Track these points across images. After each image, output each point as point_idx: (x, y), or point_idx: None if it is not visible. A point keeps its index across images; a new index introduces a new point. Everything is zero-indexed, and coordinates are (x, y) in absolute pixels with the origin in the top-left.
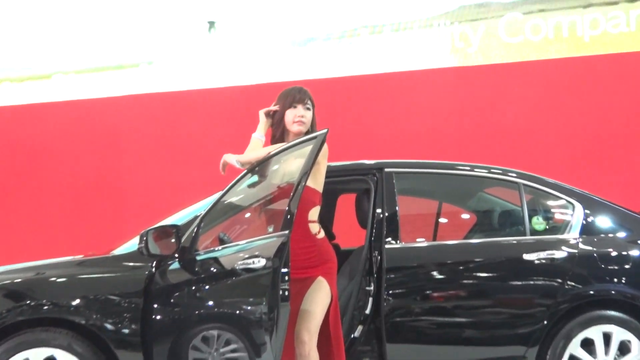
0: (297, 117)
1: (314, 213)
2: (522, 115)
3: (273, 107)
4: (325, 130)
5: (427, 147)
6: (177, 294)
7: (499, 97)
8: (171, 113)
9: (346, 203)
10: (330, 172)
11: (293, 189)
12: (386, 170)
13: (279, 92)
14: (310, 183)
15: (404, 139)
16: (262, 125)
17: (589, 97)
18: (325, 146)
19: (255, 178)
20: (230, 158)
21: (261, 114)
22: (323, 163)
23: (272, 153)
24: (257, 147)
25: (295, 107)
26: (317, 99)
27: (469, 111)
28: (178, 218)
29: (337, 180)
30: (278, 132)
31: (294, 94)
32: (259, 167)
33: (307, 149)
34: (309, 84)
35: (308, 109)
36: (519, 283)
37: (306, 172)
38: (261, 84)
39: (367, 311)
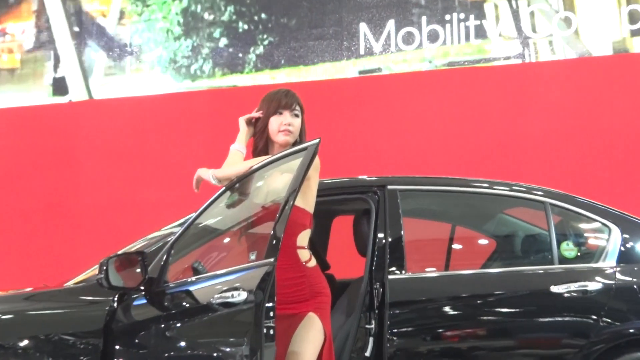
0: (283, 125)
1: (304, 238)
2: (547, 120)
3: (255, 114)
4: (316, 141)
5: (435, 158)
6: (142, 333)
7: (517, 97)
8: (136, 118)
9: (342, 226)
10: (323, 190)
11: (279, 209)
12: (389, 187)
13: (261, 96)
14: (299, 202)
15: (407, 149)
16: (243, 135)
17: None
18: (317, 159)
19: (234, 197)
20: (206, 173)
21: (241, 121)
22: (314, 179)
23: (254, 167)
24: (236, 160)
25: (280, 113)
26: (306, 104)
27: (480, 115)
28: (144, 244)
29: (332, 199)
30: (261, 143)
31: (279, 98)
32: (239, 184)
33: (296, 162)
34: (297, 87)
35: (296, 115)
36: (546, 320)
37: (295, 190)
38: (241, 87)
39: (367, 353)
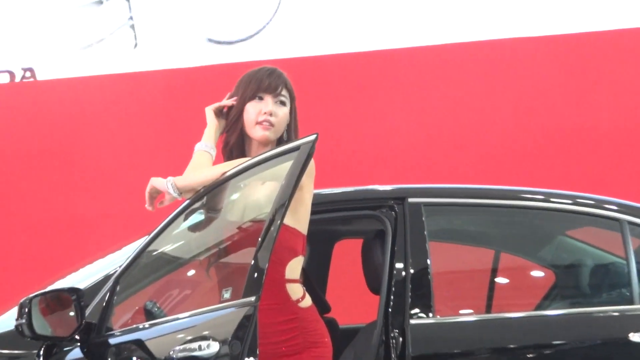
0: (261, 114)
1: (295, 268)
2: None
3: (226, 101)
4: (312, 137)
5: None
6: None
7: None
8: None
9: (347, 253)
10: (321, 204)
11: (262, 230)
12: (410, 200)
13: (240, 75)
14: (288, 221)
15: (423, 141)
16: (211, 130)
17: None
18: (312, 163)
19: (201, 214)
20: (161, 183)
21: (209, 112)
22: (308, 189)
23: (227, 174)
24: (203, 164)
25: (261, 98)
26: (298, 87)
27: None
28: (81, 277)
29: (333, 217)
30: (233, 138)
31: (259, 79)
32: (207, 197)
33: (284, 167)
34: (288, 64)
35: (282, 103)
36: None
37: (283, 204)
38: (215, 65)
39: None
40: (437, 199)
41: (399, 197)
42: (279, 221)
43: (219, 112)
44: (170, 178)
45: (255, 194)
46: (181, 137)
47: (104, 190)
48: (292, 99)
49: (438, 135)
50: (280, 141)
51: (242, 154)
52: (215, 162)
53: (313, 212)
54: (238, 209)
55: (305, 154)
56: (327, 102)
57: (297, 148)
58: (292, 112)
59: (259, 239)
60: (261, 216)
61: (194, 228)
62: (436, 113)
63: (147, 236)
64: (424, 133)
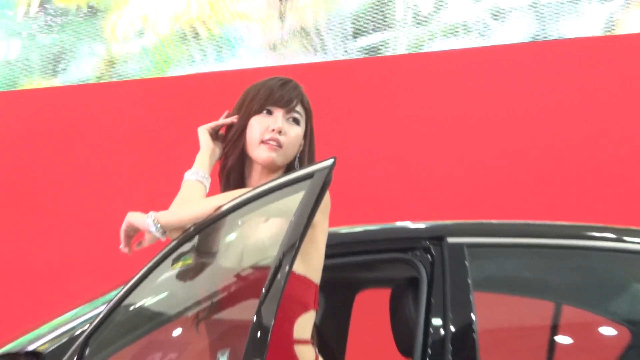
0: (268, 131)
1: (306, 325)
2: None
3: (224, 120)
4: (329, 162)
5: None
6: None
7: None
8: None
9: (371, 307)
10: (339, 246)
11: (266, 279)
12: (450, 240)
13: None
14: (298, 267)
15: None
16: (205, 155)
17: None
18: (327, 196)
19: (189, 258)
20: (140, 219)
21: (202, 134)
22: (322, 227)
23: (223, 209)
24: (193, 197)
25: (269, 112)
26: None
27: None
28: (42, 337)
29: (353, 261)
30: (231, 160)
31: (270, 88)
32: (199, 237)
33: (293, 200)
34: (302, 72)
35: (295, 121)
36: None
37: (293, 246)
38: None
39: None
40: (484, 238)
41: (436, 237)
42: (287, 267)
43: (215, 134)
44: (152, 213)
45: (257, 234)
46: (166, 159)
47: (68, 230)
48: (308, 118)
49: (481, 157)
50: (290, 169)
51: (242, 181)
52: (209, 194)
53: (328, 256)
54: (236, 252)
55: (320, 184)
56: (340, 114)
57: (309, 176)
58: (308, 133)
59: (263, 290)
60: (265, 261)
61: (182, 276)
62: (479, 127)
63: (123, 286)
64: (464, 154)
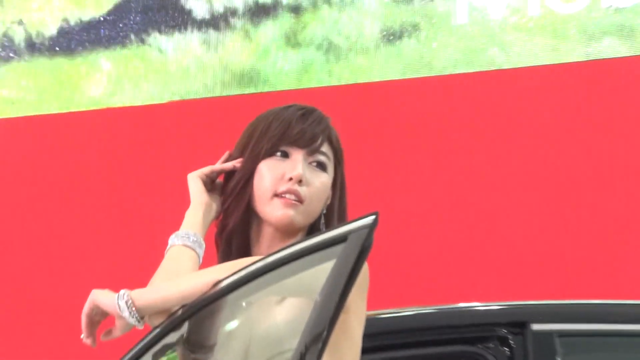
0: (284, 180)
1: None
2: None
3: (223, 165)
4: (370, 220)
5: None
6: None
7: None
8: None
9: None
10: (382, 336)
11: None
12: (535, 328)
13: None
14: None
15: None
16: (197, 212)
17: None
18: (366, 269)
19: (175, 353)
20: (109, 299)
21: (194, 183)
22: (358, 310)
23: (221, 285)
24: (181, 268)
25: (285, 154)
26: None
27: None
28: None
29: (401, 356)
30: (232, 220)
31: (287, 121)
32: (189, 325)
33: (318, 272)
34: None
35: (321, 166)
36: None
37: (319, 336)
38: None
39: None
40: (582, 325)
41: (517, 323)
42: None
43: (210, 183)
44: (124, 291)
45: (268, 320)
46: (143, 216)
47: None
48: (337, 161)
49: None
50: (313, 231)
51: (247, 248)
52: (203, 265)
53: (365, 351)
54: (239, 345)
55: (356, 250)
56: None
57: (342, 239)
58: (338, 182)
59: None
60: (278, 358)
61: None
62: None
63: None
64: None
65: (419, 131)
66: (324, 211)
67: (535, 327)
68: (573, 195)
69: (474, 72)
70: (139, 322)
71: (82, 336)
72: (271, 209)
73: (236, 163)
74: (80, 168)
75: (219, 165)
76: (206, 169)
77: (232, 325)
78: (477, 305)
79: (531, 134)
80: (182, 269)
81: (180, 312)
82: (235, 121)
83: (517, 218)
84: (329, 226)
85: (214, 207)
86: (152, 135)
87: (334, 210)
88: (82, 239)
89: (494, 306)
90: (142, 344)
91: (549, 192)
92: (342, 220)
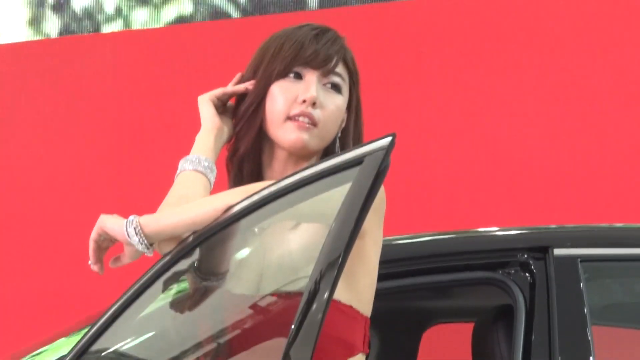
0: (298, 102)
1: None
2: None
3: (235, 87)
4: (386, 141)
5: None
6: None
7: None
8: None
9: (446, 347)
10: (398, 263)
11: (298, 310)
12: (558, 252)
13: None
14: (342, 294)
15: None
16: (208, 136)
17: None
18: (382, 193)
19: (187, 281)
20: (117, 225)
21: (205, 106)
22: (374, 236)
23: (233, 211)
24: (191, 193)
25: (298, 76)
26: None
27: None
28: None
29: (419, 284)
30: (244, 144)
31: (300, 41)
32: (200, 252)
33: (333, 196)
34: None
35: (335, 87)
36: None
37: (335, 263)
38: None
39: None
40: (606, 249)
41: (538, 247)
42: (326, 293)
43: (222, 106)
44: (133, 217)
45: (282, 246)
46: (152, 141)
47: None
48: (353, 82)
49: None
50: (327, 155)
51: (259, 172)
52: (214, 190)
53: (382, 278)
54: (252, 272)
55: (372, 173)
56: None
57: (358, 161)
58: (353, 104)
59: (292, 327)
60: (294, 285)
61: (177, 307)
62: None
63: (91, 325)
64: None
65: (434, 50)
66: (339, 134)
67: (558, 251)
68: (597, 114)
69: None
70: (148, 249)
71: (89, 262)
72: (284, 133)
73: (248, 85)
74: (90, 90)
75: (230, 87)
76: (217, 91)
77: (244, 252)
78: (497, 229)
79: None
80: (193, 195)
81: (190, 238)
82: (247, 43)
83: (538, 140)
84: (343, 150)
85: (226, 130)
86: (163, 58)
87: (350, 134)
88: (91, 162)
89: (515, 231)
90: (152, 271)
91: (572, 111)
92: (358, 140)
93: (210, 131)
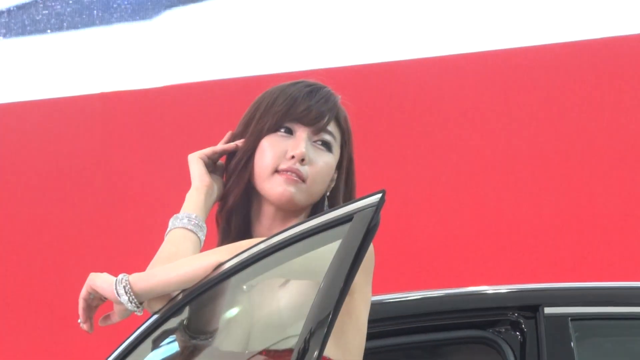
0: (286, 158)
1: None
2: None
3: (225, 145)
4: (376, 198)
5: None
6: None
7: None
8: None
9: None
10: (388, 322)
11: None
12: (548, 311)
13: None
14: (332, 351)
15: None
16: (199, 194)
17: None
18: (372, 251)
19: (176, 341)
20: (107, 283)
21: (195, 164)
22: (363, 293)
23: (223, 269)
24: (182, 252)
25: (289, 131)
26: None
27: None
28: None
29: (407, 343)
30: (233, 197)
31: (293, 97)
32: (190, 310)
33: (323, 254)
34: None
35: (326, 145)
36: None
37: (325, 321)
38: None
39: None
40: (596, 307)
41: (529, 307)
42: (316, 352)
43: (212, 165)
44: (123, 276)
45: (271, 303)
46: (144, 199)
47: None
48: (344, 142)
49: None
50: (316, 211)
51: (247, 227)
52: (205, 248)
53: (371, 337)
54: (240, 329)
55: (362, 230)
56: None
57: (348, 218)
58: (344, 163)
59: None
60: (283, 344)
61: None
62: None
63: None
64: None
65: (428, 113)
66: (328, 193)
67: (548, 310)
68: (586, 175)
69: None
70: (137, 308)
71: (79, 321)
72: (271, 186)
73: (239, 143)
74: (80, 152)
75: (220, 146)
76: (207, 150)
77: (233, 309)
78: (488, 288)
79: (541, 115)
80: (183, 252)
81: (180, 296)
82: (238, 103)
83: (528, 200)
84: (333, 204)
85: (216, 189)
86: (153, 118)
87: (340, 193)
88: (79, 221)
89: (505, 289)
90: (141, 330)
91: (560, 174)
92: (349, 196)
93: (200, 189)
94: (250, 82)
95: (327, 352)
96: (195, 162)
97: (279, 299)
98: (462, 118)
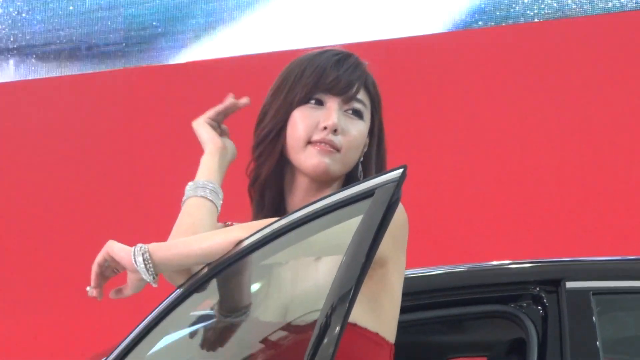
0: (319, 129)
1: None
2: None
3: (225, 104)
4: (396, 174)
5: None
6: None
7: None
8: None
9: None
10: (410, 296)
11: (310, 343)
12: (570, 285)
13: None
14: (368, 320)
15: None
16: (212, 159)
17: None
18: (404, 218)
19: (202, 316)
20: (124, 252)
21: (202, 129)
22: (397, 263)
23: (249, 241)
24: (199, 223)
25: (319, 102)
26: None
27: None
28: None
29: (431, 318)
30: (265, 169)
31: (322, 67)
32: (216, 284)
33: (346, 228)
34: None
35: (357, 113)
36: None
37: (346, 296)
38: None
39: None
40: (619, 281)
41: (550, 281)
42: (337, 328)
43: (217, 127)
44: (141, 246)
45: (305, 278)
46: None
47: None
48: (375, 108)
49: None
50: (351, 180)
51: (281, 200)
52: (221, 219)
53: (409, 306)
54: (274, 304)
55: (383, 205)
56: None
57: (369, 193)
58: (375, 130)
59: (306, 355)
60: (310, 315)
61: (193, 339)
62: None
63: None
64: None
65: (453, 86)
66: (361, 160)
67: (570, 284)
68: (612, 148)
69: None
70: (154, 279)
71: (88, 289)
72: (305, 157)
73: (245, 100)
74: (97, 124)
75: (222, 106)
76: (210, 112)
77: (264, 284)
78: (510, 263)
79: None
80: (200, 223)
81: (205, 270)
82: (262, 78)
83: (551, 174)
84: (366, 175)
85: (229, 150)
86: (174, 94)
87: (372, 159)
88: (96, 190)
89: (527, 264)
90: (161, 307)
91: (585, 147)
92: (381, 169)
93: (213, 153)
94: (272, 57)
95: (364, 322)
96: (202, 126)
97: (314, 271)
98: (487, 91)
